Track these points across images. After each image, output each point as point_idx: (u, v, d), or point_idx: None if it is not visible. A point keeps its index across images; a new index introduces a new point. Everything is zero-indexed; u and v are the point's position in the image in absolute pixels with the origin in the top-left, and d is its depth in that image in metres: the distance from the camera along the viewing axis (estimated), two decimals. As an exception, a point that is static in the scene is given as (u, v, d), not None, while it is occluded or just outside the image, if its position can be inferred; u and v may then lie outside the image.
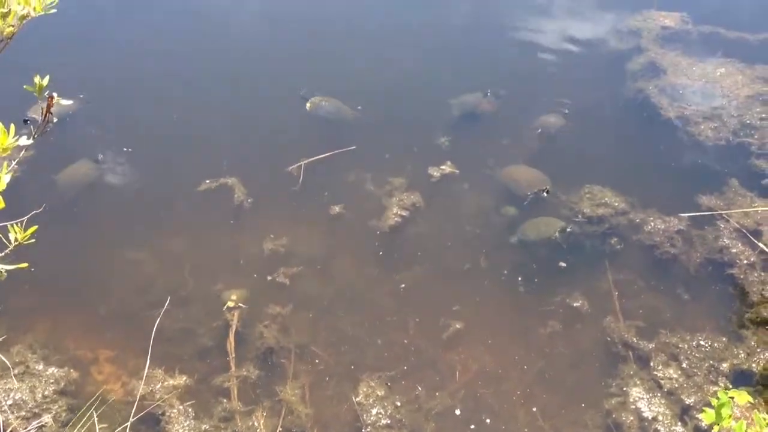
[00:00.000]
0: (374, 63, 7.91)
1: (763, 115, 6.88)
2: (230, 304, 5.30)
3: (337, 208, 6.16)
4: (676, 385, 4.84)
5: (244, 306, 5.32)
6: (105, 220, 6.17)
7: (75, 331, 5.30)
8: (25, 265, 2.82)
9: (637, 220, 5.94)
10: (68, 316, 5.40)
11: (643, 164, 6.70)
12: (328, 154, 6.66)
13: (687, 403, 4.74)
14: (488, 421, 4.77)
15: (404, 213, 6.10)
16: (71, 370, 5.00)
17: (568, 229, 5.82)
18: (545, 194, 5.84)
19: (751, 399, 3.34)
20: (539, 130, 6.97)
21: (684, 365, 4.95)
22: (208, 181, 6.37)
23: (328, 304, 5.49)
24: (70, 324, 5.33)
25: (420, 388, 4.93)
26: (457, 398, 4.89)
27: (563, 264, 5.71)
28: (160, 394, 4.82)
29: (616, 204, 6.05)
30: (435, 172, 6.48)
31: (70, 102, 2.88)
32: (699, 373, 4.90)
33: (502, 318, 5.43)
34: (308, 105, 7.11)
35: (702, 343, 5.06)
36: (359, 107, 7.17)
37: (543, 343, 5.21)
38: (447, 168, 6.51)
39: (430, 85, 7.61)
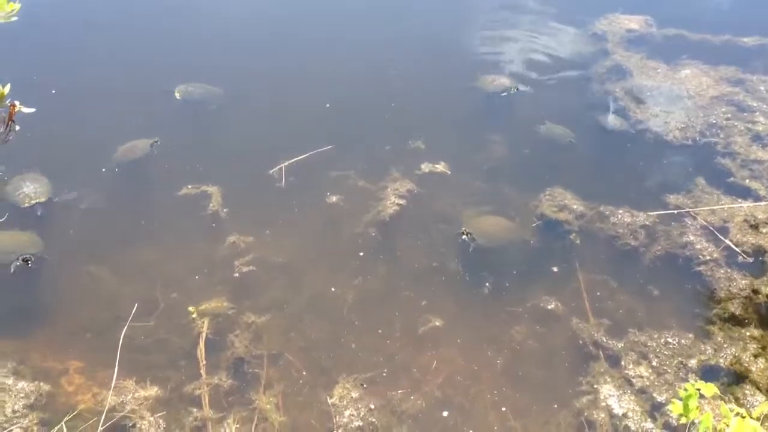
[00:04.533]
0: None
1: (728, 116, 7.00)
2: (192, 311, 5.30)
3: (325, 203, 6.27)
4: (647, 383, 4.88)
5: (218, 314, 5.29)
6: (79, 231, 6.12)
7: (45, 345, 5.23)
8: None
9: (607, 218, 6.00)
10: (38, 330, 5.33)
11: (610, 165, 6.78)
12: (307, 154, 6.72)
13: (658, 400, 4.78)
14: (460, 419, 4.78)
15: (401, 201, 6.22)
16: (41, 384, 4.93)
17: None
18: None
19: (717, 391, 3.39)
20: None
21: (654, 363, 5.00)
22: (189, 187, 6.38)
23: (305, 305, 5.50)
24: (39, 338, 5.27)
25: (396, 391, 4.93)
26: (429, 398, 4.90)
27: (555, 269, 5.76)
28: (131, 405, 4.76)
29: (576, 207, 6.12)
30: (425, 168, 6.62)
31: (32, 110, 2.86)
32: (669, 371, 4.94)
33: (475, 321, 5.46)
34: (177, 93, 7.22)
35: (670, 340, 5.12)
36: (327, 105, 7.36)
37: (515, 343, 5.24)
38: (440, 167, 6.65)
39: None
